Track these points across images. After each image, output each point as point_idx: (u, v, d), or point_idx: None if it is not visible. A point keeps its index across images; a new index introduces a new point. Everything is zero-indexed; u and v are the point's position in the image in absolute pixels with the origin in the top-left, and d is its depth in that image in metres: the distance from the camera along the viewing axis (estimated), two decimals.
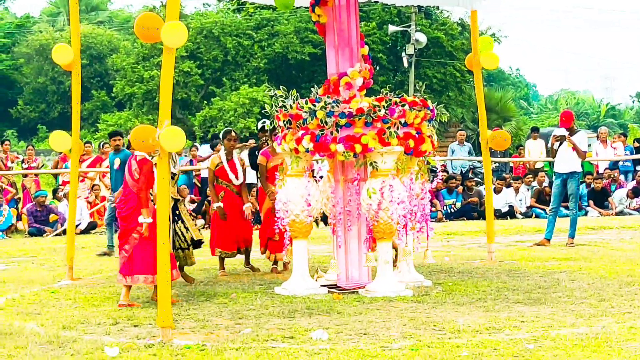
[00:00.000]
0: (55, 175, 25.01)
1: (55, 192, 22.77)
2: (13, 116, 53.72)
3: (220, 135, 14.02)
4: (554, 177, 16.98)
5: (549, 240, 16.33)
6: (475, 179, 24.95)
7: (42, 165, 25.86)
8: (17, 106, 53.98)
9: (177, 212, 11.59)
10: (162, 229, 8.23)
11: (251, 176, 22.74)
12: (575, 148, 15.86)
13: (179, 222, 11.63)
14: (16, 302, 10.67)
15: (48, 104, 53.79)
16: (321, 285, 11.21)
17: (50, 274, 13.39)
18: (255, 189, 18.41)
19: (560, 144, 16.04)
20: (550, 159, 26.17)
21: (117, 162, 15.82)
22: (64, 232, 18.43)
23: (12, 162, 23.98)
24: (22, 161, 24.55)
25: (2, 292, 11.49)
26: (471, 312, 9.36)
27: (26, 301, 10.73)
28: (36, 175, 24.01)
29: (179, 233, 11.62)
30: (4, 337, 8.28)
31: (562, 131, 16.14)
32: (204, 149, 23.73)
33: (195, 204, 22.31)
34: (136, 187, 10.30)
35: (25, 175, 23.75)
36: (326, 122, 10.59)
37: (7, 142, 25.08)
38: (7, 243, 16.31)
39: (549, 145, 16.72)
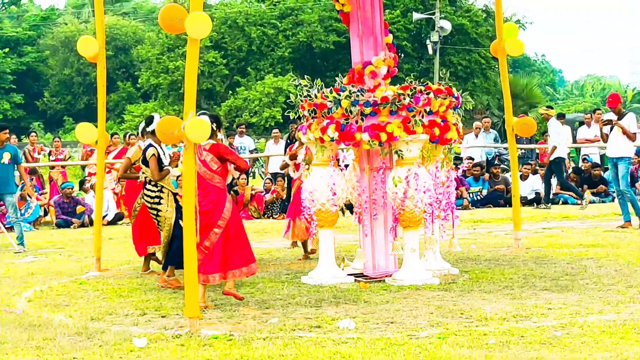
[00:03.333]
0: (82, 167, 25.08)
1: (82, 183, 22.85)
2: (39, 108, 54.07)
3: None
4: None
5: (629, 222, 16.43)
6: (502, 166, 24.85)
7: (69, 157, 25.96)
8: (43, 98, 54.31)
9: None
10: (189, 221, 8.24)
11: (275, 166, 22.82)
12: (624, 131, 15.86)
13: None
14: (44, 293, 10.74)
15: (74, 95, 54.08)
16: (348, 274, 11.21)
17: (78, 265, 13.45)
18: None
19: (611, 128, 16.06)
20: (576, 145, 26.14)
21: (6, 156, 15.55)
22: (91, 223, 18.51)
23: (39, 153, 24.07)
24: (49, 153, 24.65)
25: (31, 283, 11.55)
26: (498, 299, 9.35)
27: (54, 293, 10.80)
28: (63, 167, 24.11)
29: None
30: (32, 329, 8.34)
31: (611, 115, 16.12)
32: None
33: None
34: (217, 175, 9.78)
35: (52, 167, 23.85)
36: (351, 111, 10.58)
37: (33, 134, 25.11)
38: (35, 235, 16.41)
39: (600, 130, 16.76)
